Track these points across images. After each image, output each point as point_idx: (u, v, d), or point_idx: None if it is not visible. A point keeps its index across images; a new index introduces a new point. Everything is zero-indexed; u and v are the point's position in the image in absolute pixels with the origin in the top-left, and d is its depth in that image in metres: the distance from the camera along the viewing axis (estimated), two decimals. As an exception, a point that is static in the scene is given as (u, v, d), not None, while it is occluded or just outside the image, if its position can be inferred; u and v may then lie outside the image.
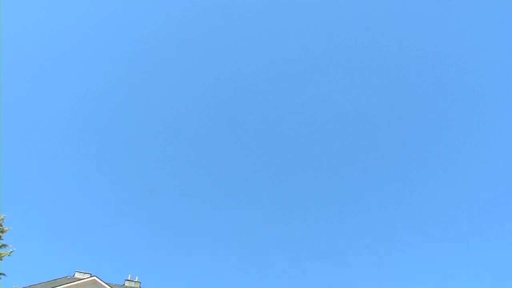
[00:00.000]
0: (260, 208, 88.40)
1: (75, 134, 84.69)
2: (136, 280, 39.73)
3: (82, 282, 33.19)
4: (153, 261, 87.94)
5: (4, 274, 24.37)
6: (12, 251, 24.40)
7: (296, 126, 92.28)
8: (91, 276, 33.72)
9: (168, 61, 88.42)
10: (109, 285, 33.57)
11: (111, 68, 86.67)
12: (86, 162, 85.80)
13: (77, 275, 36.08)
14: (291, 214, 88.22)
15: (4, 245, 24.52)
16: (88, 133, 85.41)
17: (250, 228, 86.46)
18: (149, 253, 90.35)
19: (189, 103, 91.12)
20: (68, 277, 36.18)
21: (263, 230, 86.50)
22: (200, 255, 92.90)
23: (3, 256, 23.95)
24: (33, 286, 33.39)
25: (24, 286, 30.84)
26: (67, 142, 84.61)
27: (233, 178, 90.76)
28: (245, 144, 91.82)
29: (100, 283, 33.36)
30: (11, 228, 24.78)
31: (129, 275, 40.19)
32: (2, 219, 24.51)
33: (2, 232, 24.35)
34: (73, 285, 33.10)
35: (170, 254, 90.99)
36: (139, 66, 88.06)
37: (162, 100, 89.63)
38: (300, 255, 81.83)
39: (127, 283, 39.12)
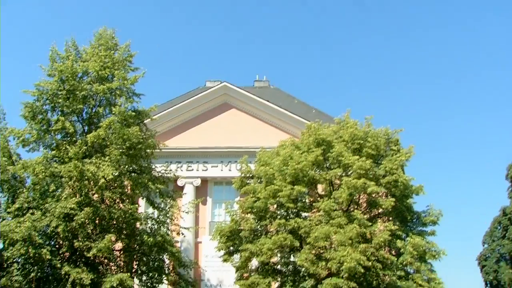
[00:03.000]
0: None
1: None
2: (264, 80, 39.42)
3: (213, 90, 33.16)
4: (278, 62, 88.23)
5: (143, 95, 24.95)
6: (144, 72, 24.72)
7: None
8: (221, 83, 33.47)
9: None
10: (239, 88, 33.30)
11: None
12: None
13: (208, 84, 36.16)
14: None
15: (136, 68, 24.74)
16: None
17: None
18: (273, 51, 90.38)
19: None
20: (200, 87, 36.49)
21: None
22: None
23: (138, 78, 24.12)
24: (170, 101, 34.12)
25: (161, 103, 31.44)
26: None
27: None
28: None
29: (231, 87, 33.11)
30: (137, 51, 24.89)
31: (257, 76, 39.94)
32: (128, 45, 24.42)
33: (131, 56, 24.57)
34: (205, 94, 33.24)
35: (293, 51, 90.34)
36: None
37: None
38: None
39: (256, 84, 38.95)
